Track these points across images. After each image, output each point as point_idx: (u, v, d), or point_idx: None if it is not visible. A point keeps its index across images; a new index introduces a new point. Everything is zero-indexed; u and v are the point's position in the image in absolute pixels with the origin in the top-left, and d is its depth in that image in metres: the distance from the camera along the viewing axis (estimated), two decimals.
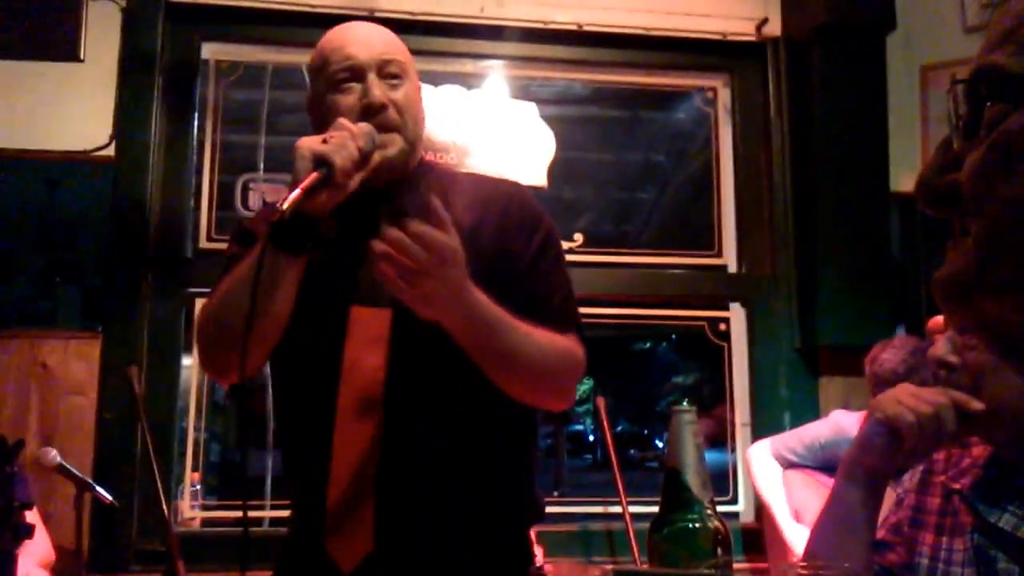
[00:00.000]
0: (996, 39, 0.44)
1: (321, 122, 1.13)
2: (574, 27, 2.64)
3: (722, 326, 2.71)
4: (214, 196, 2.55)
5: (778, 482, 2.24)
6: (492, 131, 2.69)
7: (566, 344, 1.10)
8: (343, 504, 1.06)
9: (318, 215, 1.01)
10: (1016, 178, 0.41)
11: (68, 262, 2.51)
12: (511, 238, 1.14)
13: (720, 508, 0.76)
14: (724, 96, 2.81)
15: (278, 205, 0.96)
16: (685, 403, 0.75)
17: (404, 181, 1.15)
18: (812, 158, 2.58)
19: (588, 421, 18.95)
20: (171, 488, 2.33)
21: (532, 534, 1.25)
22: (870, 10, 2.59)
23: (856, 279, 2.51)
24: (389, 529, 1.06)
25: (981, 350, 0.92)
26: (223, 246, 2.50)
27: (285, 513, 2.49)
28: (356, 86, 1.12)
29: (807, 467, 2.24)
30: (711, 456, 0.88)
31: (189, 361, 2.48)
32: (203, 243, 2.52)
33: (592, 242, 2.76)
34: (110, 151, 2.39)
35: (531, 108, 2.73)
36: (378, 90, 1.11)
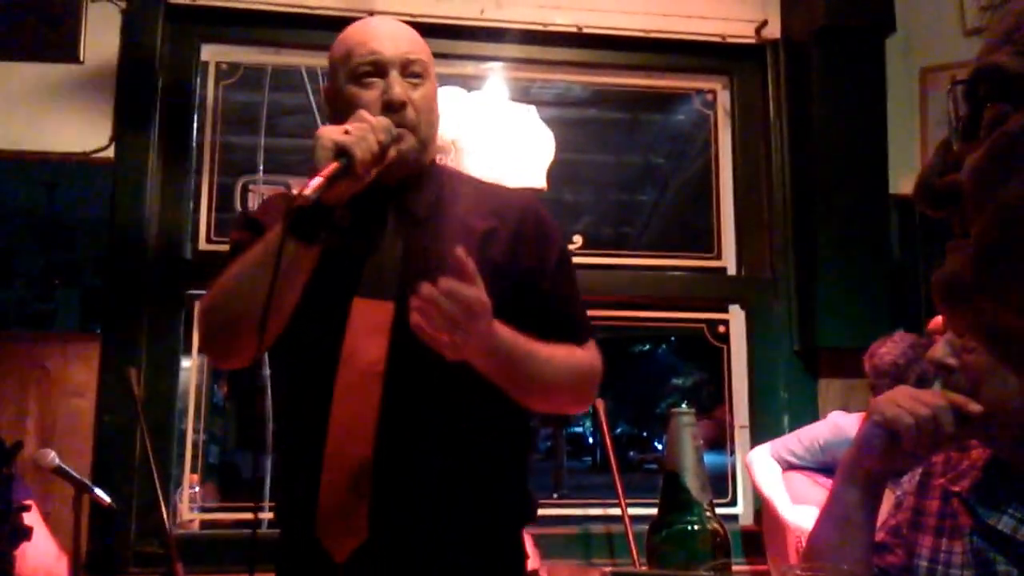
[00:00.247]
0: (996, 40, 0.44)
1: (339, 113, 1.14)
2: (574, 29, 2.64)
3: (721, 328, 2.71)
4: (213, 198, 2.55)
5: (779, 479, 2.24)
6: (491, 133, 2.69)
7: (584, 356, 1.14)
8: (337, 494, 1.06)
9: (334, 204, 1.02)
10: (1016, 179, 0.41)
11: (67, 264, 2.52)
12: (525, 252, 1.16)
13: (719, 510, 0.76)
14: (723, 98, 2.81)
15: (300, 192, 0.97)
16: (684, 406, 0.75)
17: (414, 179, 1.16)
18: (812, 160, 2.59)
19: (587, 423, 18.96)
20: (170, 490, 2.32)
21: (528, 537, 1.25)
22: (869, 12, 2.59)
23: (855, 281, 2.51)
24: (384, 520, 1.06)
25: (980, 352, 0.92)
26: (223, 248, 2.51)
27: None
28: (378, 81, 1.13)
29: (807, 469, 2.24)
30: (710, 458, 0.88)
31: (188, 363, 2.48)
32: (202, 245, 2.52)
33: (591, 244, 2.76)
34: (109, 153, 2.39)
35: (531, 110, 2.74)
36: (399, 87, 1.12)
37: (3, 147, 2.36)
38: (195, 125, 2.53)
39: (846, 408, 2.37)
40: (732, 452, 2.67)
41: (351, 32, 1.19)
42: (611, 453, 2.41)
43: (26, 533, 1.35)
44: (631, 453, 15.73)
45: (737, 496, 2.65)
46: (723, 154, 2.80)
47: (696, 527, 0.72)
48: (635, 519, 2.26)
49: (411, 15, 2.55)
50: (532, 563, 1.26)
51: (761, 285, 2.67)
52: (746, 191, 2.72)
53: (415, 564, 1.08)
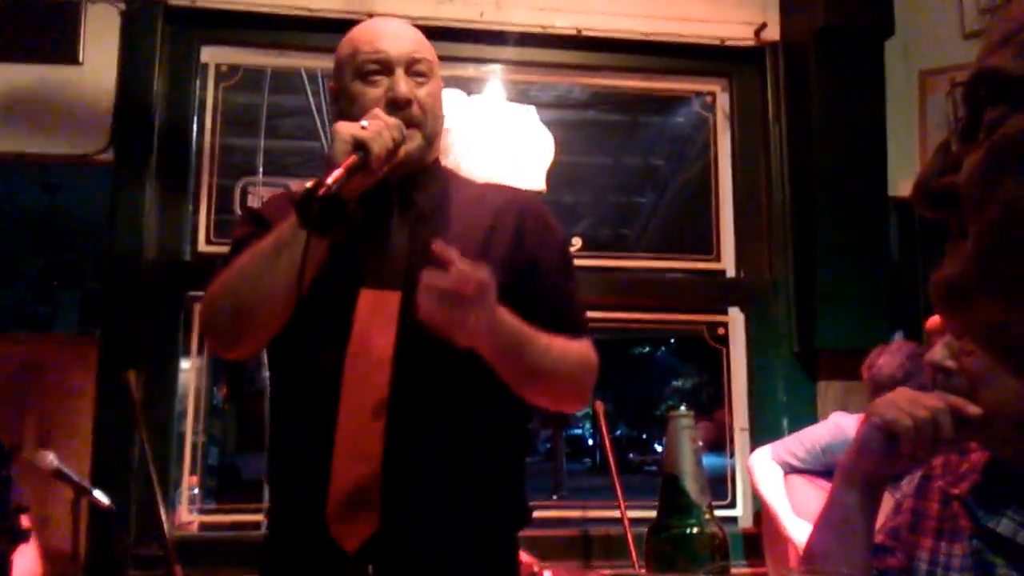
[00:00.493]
0: (996, 42, 0.44)
1: (344, 111, 1.17)
2: (573, 32, 2.64)
3: (720, 330, 2.71)
4: (213, 199, 2.55)
5: (779, 484, 2.24)
6: (491, 135, 2.69)
7: (582, 350, 1.14)
8: (349, 483, 1.06)
9: (349, 198, 1.04)
10: (1015, 181, 0.41)
11: (67, 265, 2.52)
12: (526, 247, 1.18)
13: (719, 513, 0.75)
14: (723, 101, 2.81)
15: (319, 181, 0.99)
16: (683, 408, 0.75)
17: (418, 176, 1.18)
18: (811, 163, 2.59)
19: (587, 425, 18.96)
20: (169, 492, 2.32)
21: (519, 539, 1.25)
22: (869, 15, 2.59)
23: (854, 283, 2.51)
24: (395, 508, 1.07)
25: (978, 355, 0.92)
26: (222, 249, 2.51)
27: None
28: (383, 79, 1.15)
29: (808, 471, 2.24)
30: (709, 460, 0.88)
31: (188, 365, 2.48)
32: (202, 247, 2.51)
33: (591, 246, 2.76)
34: (109, 155, 2.39)
35: (530, 112, 2.74)
36: (405, 85, 1.14)
37: (3, 149, 2.36)
38: (195, 127, 2.53)
39: (845, 410, 2.38)
40: (732, 454, 2.67)
41: (357, 31, 1.21)
42: (610, 455, 2.41)
43: (24, 535, 1.35)
44: (631, 455, 15.74)
45: (737, 498, 2.65)
46: (722, 156, 2.80)
47: (695, 530, 0.72)
48: (635, 521, 2.26)
49: (411, 17, 2.55)
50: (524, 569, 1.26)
51: (760, 287, 2.67)
52: (745, 193, 2.72)
53: (425, 554, 1.09)
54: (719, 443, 2.74)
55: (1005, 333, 0.44)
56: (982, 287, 0.44)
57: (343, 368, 1.08)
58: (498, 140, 2.69)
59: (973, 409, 0.91)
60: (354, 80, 1.16)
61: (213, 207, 2.55)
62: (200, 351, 2.49)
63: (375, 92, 1.15)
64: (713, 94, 2.84)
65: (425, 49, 1.20)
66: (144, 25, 2.45)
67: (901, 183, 2.59)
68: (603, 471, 2.66)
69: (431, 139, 1.18)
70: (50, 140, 2.38)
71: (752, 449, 2.45)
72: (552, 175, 2.71)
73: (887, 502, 1.01)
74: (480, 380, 1.11)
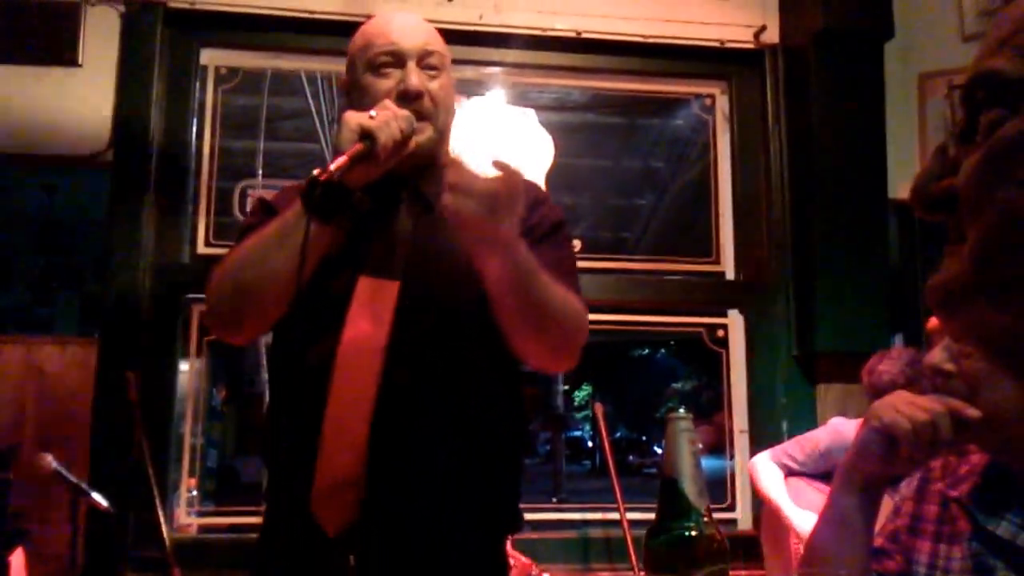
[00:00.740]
0: (993, 45, 0.44)
1: (356, 103, 1.16)
2: (572, 34, 2.65)
3: (720, 333, 2.71)
4: (212, 202, 2.56)
5: (781, 481, 2.24)
6: (491, 137, 2.69)
7: (577, 303, 1.13)
8: (334, 469, 1.06)
9: (353, 187, 1.04)
10: (1013, 183, 0.41)
11: (66, 267, 2.52)
12: (524, 228, 1.14)
13: (718, 516, 0.75)
14: (722, 103, 2.81)
15: (325, 168, 0.98)
16: (681, 411, 0.74)
17: (428, 170, 1.17)
18: (810, 165, 2.59)
19: (586, 427, 18.95)
20: (167, 495, 2.32)
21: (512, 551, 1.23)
22: (868, 18, 2.60)
23: (854, 286, 2.51)
24: (377, 496, 1.06)
25: (977, 357, 0.92)
26: (221, 251, 2.52)
27: None
28: (395, 72, 1.16)
29: (807, 475, 2.24)
30: (709, 463, 0.87)
31: (186, 367, 2.48)
32: (201, 249, 2.51)
33: (590, 248, 2.77)
34: (109, 156, 2.39)
35: (530, 114, 2.74)
36: (416, 78, 1.15)
37: (3, 150, 2.36)
38: (194, 129, 2.54)
39: (844, 413, 2.37)
40: (731, 457, 2.67)
41: (370, 24, 1.22)
42: (610, 458, 2.41)
43: (22, 537, 1.35)
44: (630, 457, 15.73)
45: (736, 501, 2.65)
46: (722, 158, 2.81)
47: (694, 533, 0.72)
48: (634, 524, 2.26)
49: None
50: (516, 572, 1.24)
51: (760, 290, 2.67)
52: (745, 196, 2.72)
53: (407, 541, 1.08)
54: (718, 446, 2.74)
55: (1003, 335, 0.44)
56: (980, 289, 0.44)
57: (335, 357, 1.08)
58: (497, 143, 2.69)
59: (972, 412, 0.91)
60: (366, 72, 1.17)
61: (212, 209, 2.55)
62: (199, 353, 2.49)
63: (386, 84, 1.15)
64: (713, 96, 2.84)
65: (438, 43, 1.20)
66: (144, 28, 2.45)
67: (900, 185, 2.59)
68: (603, 473, 2.66)
69: (442, 132, 1.19)
70: (50, 142, 2.38)
71: (752, 452, 2.44)
72: (552, 178, 2.70)
73: (886, 505, 1.01)
74: (473, 374, 1.11)
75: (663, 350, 19.96)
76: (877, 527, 0.99)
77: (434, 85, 1.16)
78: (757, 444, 2.48)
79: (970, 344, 0.92)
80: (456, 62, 2.90)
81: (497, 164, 0.97)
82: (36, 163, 2.36)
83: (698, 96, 2.89)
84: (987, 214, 0.42)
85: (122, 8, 2.45)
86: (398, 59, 1.16)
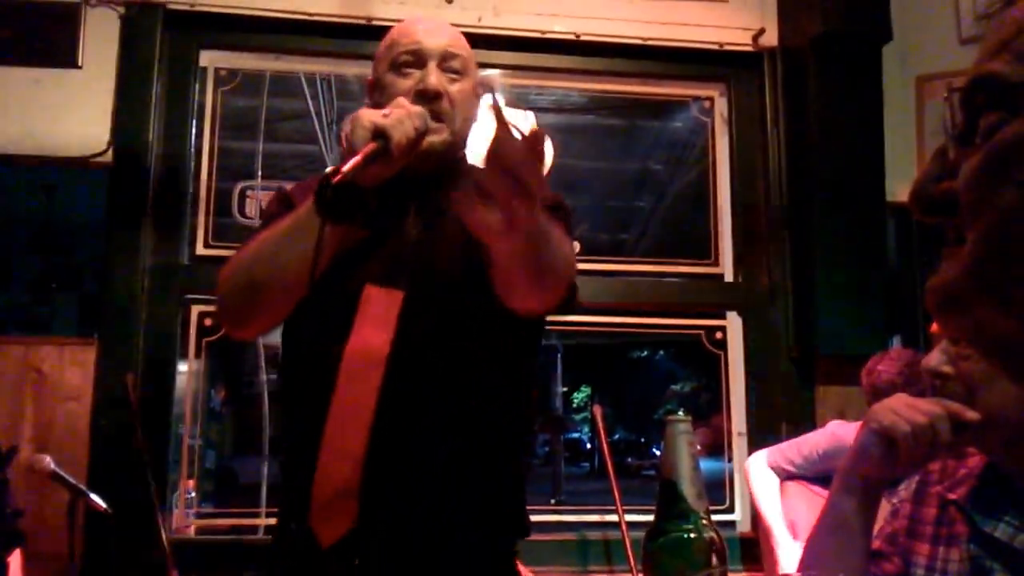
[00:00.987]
0: (993, 48, 0.44)
1: (375, 102, 1.16)
2: (571, 37, 2.65)
3: (719, 335, 2.71)
4: (211, 203, 2.55)
5: (775, 495, 2.24)
6: (489, 139, 2.69)
7: (568, 243, 1.11)
8: (331, 480, 1.06)
9: (365, 186, 1.03)
10: (1012, 186, 0.41)
11: (65, 268, 2.52)
12: None
13: (717, 517, 0.75)
14: (721, 106, 2.81)
15: (338, 167, 0.98)
16: (680, 413, 0.75)
17: (441, 174, 1.16)
18: (809, 167, 2.59)
19: (585, 429, 18.95)
20: (166, 496, 2.31)
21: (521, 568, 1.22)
22: (866, 21, 2.60)
23: (853, 288, 2.52)
24: (372, 508, 1.06)
25: (975, 360, 0.92)
26: (220, 252, 2.52)
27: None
28: (416, 72, 1.15)
29: (804, 478, 2.24)
30: (708, 465, 0.87)
31: (185, 368, 2.48)
32: (200, 250, 2.51)
33: (589, 250, 2.77)
34: (108, 158, 2.39)
35: (529, 117, 2.74)
36: (435, 78, 1.14)
37: (2, 151, 2.36)
38: (193, 130, 2.54)
39: (843, 415, 2.38)
40: (730, 459, 2.67)
41: (399, 26, 1.22)
42: (608, 460, 2.41)
43: (20, 538, 1.35)
44: (629, 459, 15.72)
45: (735, 503, 2.65)
46: (720, 161, 2.81)
47: (692, 535, 0.72)
48: (632, 526, 2.26)
49: None
50: None
51: (758, 292, 2.67)
52: (743, 198, 2.72)
53: (407, 553, 1.07)
54: (717, 448, 2.74)
55: (1001, 338, 0.44)
56: (978, 292, 0.44)
57: (339, 364, 1.07)
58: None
59: (971, 414, 0.91)
60: (388, 71, 1.17)
61: (211, 210, 2.55)
62: (198, 355, 2.49)
63: (406, 83, 1.14)
64: (711, 99, 2.84)
65: (462, 47, 1.20)
66: (143, 29, 2.45)
67: (899, 188, 2.59)
68: (601, 475, 2.66)
69: (458, 136, 1.17)
70: (49, 143, 2.38)
71: (750, 454, 2.44)
72: (551, 179, 2.71)
73: (884, 507, 1.01)
74: (477, 382, 1.10)
75: (662, 352, 19.97)
76: (875, 530, 0.99)
77: (454, 88, 1.16)
78: (755, 446, 2.48)
79: (968, 346, 0.92)
80: None
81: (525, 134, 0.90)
82: (35, 164, 2.36)
83: (697, 98, 2.89)
84: (986, 216, 0.43)
85: (122, 10, 2.45)
86: (419, 59, 1.16)
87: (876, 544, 1.01)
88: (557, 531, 2.54)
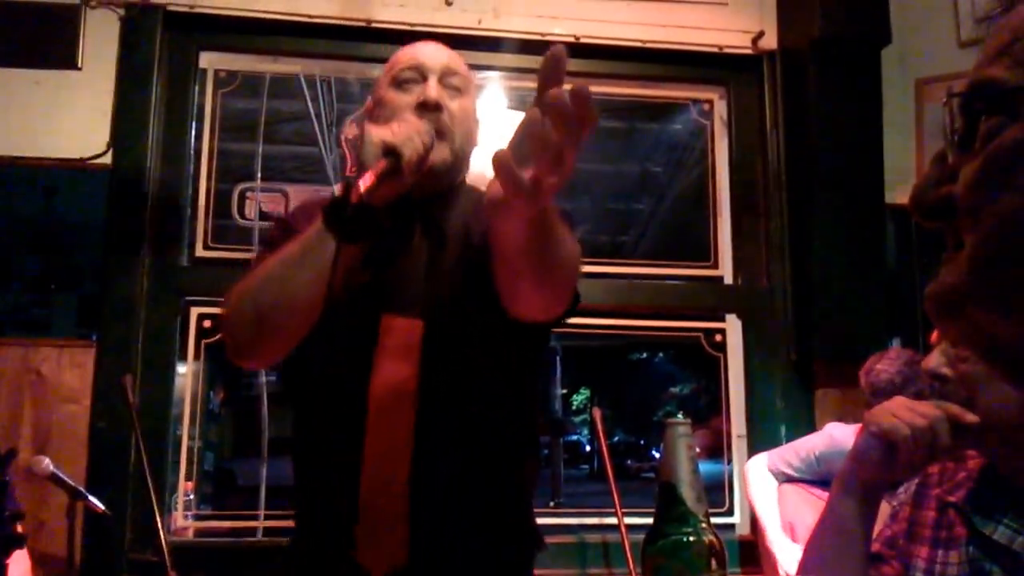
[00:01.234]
0: (992, 53, 0.44)
1: (376, 117, 1.17)
2: (571, 39, 2.65)
3: (718, 337, 2.71)
4: (211, 204, 2.55)
5: (773, 499, 2.24)
6: (489, 141, 2.69)
7: (575, 242, 1.09)
8: (376, 513, 1.07)
9: (376, 204, 1.01)
10: (1011, 191, 0.42)
11: (64, 269, 2.51)
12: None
13: (716, 520, 0.75)
14: (720, 108, 2.82)
15: (347, 186, 0.95)
16: (679, 416, 0.75)
17: (444, 195, 1.16)
18: (808, 170, 2.59)
19: (584, 431, 18.94)
20: (164, 497, 2.31)
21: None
22: (866, 24, 2.60)
23: (852, 291, 2.52)
24: (423, 537, 1.07)
25: (974, 362, 0.92)
26: (220, 254, 2.53)
27: (280, 523, 2.48)
28: (417, 87, 1.16)
29: (803, 481, 2.24)
30: (707, 468, 0.87)
31: (184, 369, 2.47)
32: (200, 251, 2.51)
33: (588, 252, 2.76)
34: (107, 159, 2.39)
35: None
36: (436, 91, 1.15)
37: (1, 153, 2.36)
38: (193, 132, 2.54)
39: (842, 418, 2.37)
40: (729, 462, 2.67)
41: (401, 49, 1.23)
42: (608, 462, 2.40)
43: (19, 541, 1.34)
44: (628, 461, 15.71)
45: (734, 506, 2.65)
46: (720, 164, 2.81)
47: (691, 538, 0.72)
48: (632, 529, 2.25)
49: (409, 24, 2.57)
50: None
51: (758, 295, 2.67)
52: (743, 201, 2.73)
53: (457, 571, 1.10)
54: (716, 450, 2.74)
55: (1000, 341, 0.44)
56: (977, 296, 0.44)
57: (368, 398, 1.07)
58: (496, 146, 2.69)
59: (970, 417, 0.91)
60: (389, 88, 1.18)
61: (211, 212, 2.55)
62: (197, 356, 2.49)
63: (407, 98, 1.15)
64: (711, 102, 2.84)
65: (461, 67, 1.21)
66: (143, 30, 2.45)
67: (898, 191, 2.59)
68: (601, 477, 2.66)
69: (458, 155, 1.17)
70: (49, 144, 2.38)
71: (749, 456, 2.44)
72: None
73: (884, 510, 1.01)
74: (497, 408, 1.12)
75: (661, 354, 19.96)
76: (875, 533, 0.99)
77: (454, 104, 1.16)
78: (755, 449, 2.48)
79: (967, 349, 0.92)
80: None
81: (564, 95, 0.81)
82: (35, 165, 2.36)
83: (696, 101, 2.89)
84: (985, 221, 0.43)
85: (121, 11, 2.45)
86: (421, 73, 1.17)
87: (875, 547, 1.01)
88: (556, 534, 2.53)
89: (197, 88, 2.55)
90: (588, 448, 18.09)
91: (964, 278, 0.44)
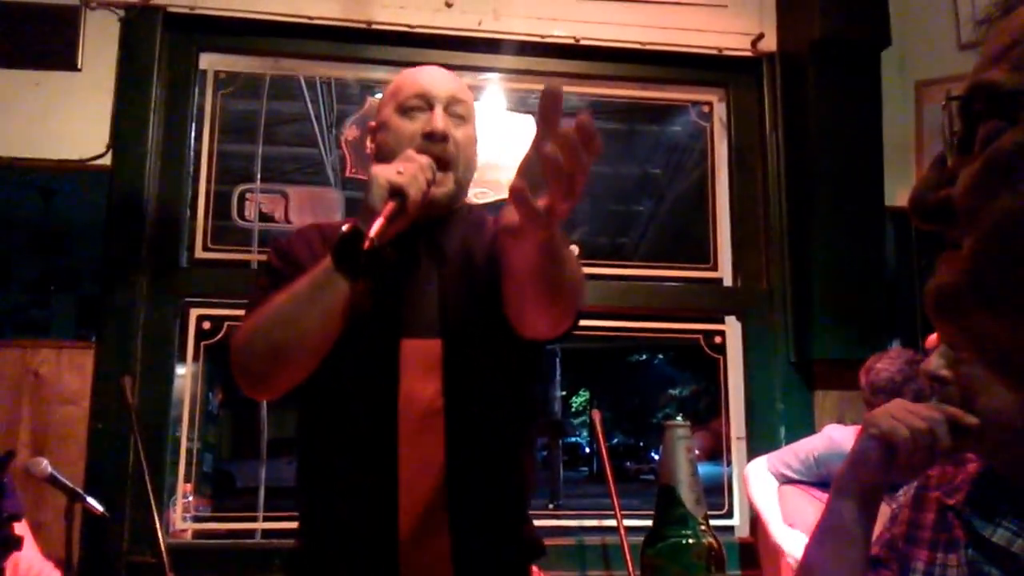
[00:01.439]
0: (992, 56, 0.44)
1: (383, 145, 1.21)
2: (571, 41, 2.65)
3: (717, 339, 2.71)
4: (210, 206, 2.55)
5: (773, 494, 2.24)
6: (489, 143, 2.69)
7: (577, 261, 1.13)
8: (417, 530, 1.11)
9: (384, 242, 1.06)
10: (1009, 193, 0.42)
11: (63, 271, 2.51)
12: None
13: (715, 522, 0.75)
14: (720, 110, 2.82)
15: (355, 226, 1.03)
16: (679, 418, 0.75)
17: (445, 220, 1.21)
18: (807, 172, 2.60)
19: (584, 433, 18.94)
20: (163, 499, 2.31)
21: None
22: (865, 27, 2.61)
23: (851, 293, 2.52)
24: (464, 547, 1.12)
25: (973, 364, 0.92)
26: (219, 256, 2.53)
27: (278, 525, 2.48)
28: (423, 115, 1.19)
29: (803, 483, 2.24)
30: (706, 470, 0.87)
31: (183, 371, 2.47)
32: (199, 253, 2.51)
33: (588, 254, 2.77)
34: (107, 160, 2.39)
35: (528, 120, 2.74)
36: (442, 121, 1.18)
37: (1, 154, 2.36)
38: (192, 133, 2.54)
39: (841, 420, 2.38)
40: (728, 464, 2.67)
41: (405, 72, 1.27)
42: (607, 465, 2.40)
43: (16, 543, 1.34)
44: (627, 463, 15.72)
45: (733, 508, 2.65)
46: (719, 165, 2.81)
47: (691, 541, 0.72)
48: (631, 531, 2.25)
49: (409, 26, 2.57)
50: None
51: (757, 296, 2.68)
52: (742, 202, 2.73)
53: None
54: (716, 452, 2.74)
55: (997, 343, 0.44)
56: (975, 297, 0.44)
57: (397, 421, 1.11)
58: (496, 148, 2.70)
59: (970, 419, 0.91)
60: (395, 114, 1.21)
61: (211, 213, 2.55)
62: (196, 358, 2.49)
63: (413, 126, 1.18)
64: (710, 104, 2.85)
65: (466, 95, 1.24)
66: (143, 32, 2.45)
67: (898, 193, 2.60)
68: (601, 479, 2.66)
69: (461, 184, 1.21)
70: (49, 145, 2.38)
71: (749, 458, 2.44)
72: None
73: (883, 513, 1.01)
74: (511, 415, 1.18)
75: (660, 356, 19.97)
76: (874, 536, 0.99)
77: (459, 133, 1.19)
78: (754, 451, 2.48)
79: (965, 351, 0.92)
80: (454, 68, 2.92)
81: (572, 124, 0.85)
82: (34, 166, 2.36)
83: (696, 103, 2.89)
84: (983, 222, 0.43)
85: (121, 12, 2.45)
86: (427, 102, 1.19)
87: (875, 550, 1.01)
88: (555, 536, 2.53)
89: (197, 89, 2.55)
90: (587, 450, 18.10)
91: (961, 279, 0.44)
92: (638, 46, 2.68)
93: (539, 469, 1.35)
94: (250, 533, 2.54)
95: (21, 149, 2.36)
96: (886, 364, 2.09)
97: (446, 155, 1.16)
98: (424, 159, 1.12)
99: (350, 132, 2.80)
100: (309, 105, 4.01)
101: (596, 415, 2.64)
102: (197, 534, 2.53)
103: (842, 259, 2.54)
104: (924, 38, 2.74)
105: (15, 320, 2.43)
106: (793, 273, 2.62)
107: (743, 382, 2.64)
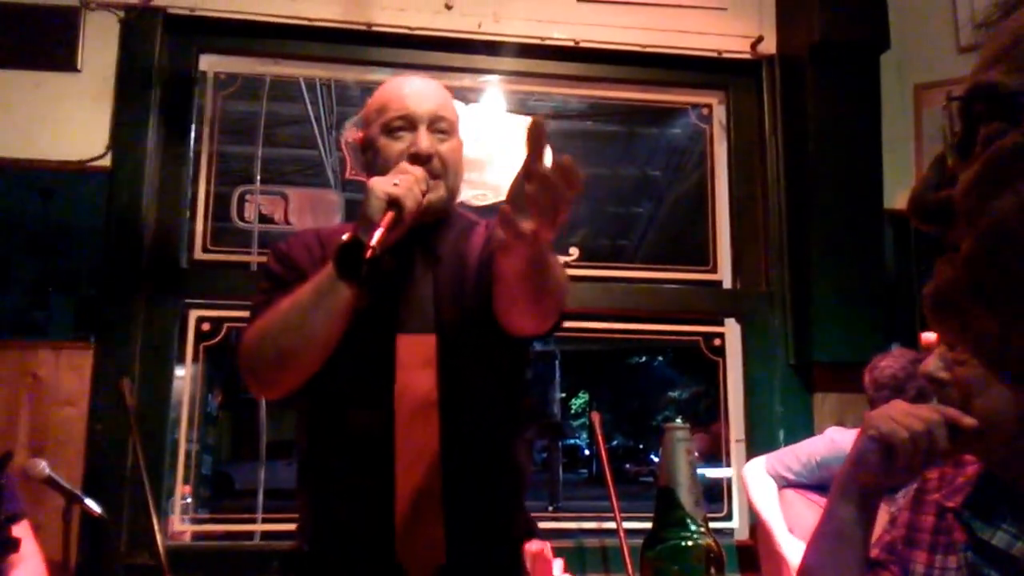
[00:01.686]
0: (992, 57, 0.44)
1: (370, 162, 1.27)
2: (571, 43, 2.65)
3: (717, 341, 2.71)
4: (210, 207, 2.55)
5: (774, 498, 2.23)
6: (489, 145, 2.70)
7: (560, 263, 1.20)
8: (413, 520, 1.15)
9: (383, 250, 1.12)
10: (1008, 194, 0.42)
11: (62, 272, 2.51)
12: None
13: (715, 525, 0.75)
14: (719, 113, 2.82)
15: (356, 236, 1.10)
16: (678, 420, 0.75)
17: (438, 224, 1.27)
18: (807, 175, 2.60)
19: (583, 435, 18.94)
20: (161, 501, 2.31)
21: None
22: (864, 29, 2.61)
23: (850, 295, 2.52)
24: (459, 536, 1.16)
25: (971, 365, 0.92)
26: (219, 257, 2.52)
27: (277, 527, 2.48)
28: (407, 135, 1.25)
29: (802, 485, 2.23)
30: (706, 472, 0.88)
31: (182, 373, 2.47)
32: (198, 254, 2.51)
33: (588, 256, 2.76)
34: (106, 161, 2.39)
35: (528, 123, 2.74)
36: (426, 142, 1.24)
37: (1, 155, 2.35)
38: (192, 134, 2.54)
39: (841, 422, 2.37)
40: (728, 466, 2.66)
41: (387, 88, 1.31)
42: (606, 467, 2.40)
43: (14, 545, 1.34)
44: (627, 465, 15.72)
45: (733, 511, 2.64)
46: (719, 168, 2.81)
47: (690, 543, 0.71)
48: (630, 533, 2.25)
49: (409, 28, 2.57)
50: None
51: (757, 299, 2.67)
52: (742, 205, 2.73)
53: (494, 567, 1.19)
54: (715, 454, 2.74)
55: (996, 343, 0.44)
56: (973, 298, 0.44)
57: (393, 410, 1.16)
58: (495, 150, 2.70)
59: (969, 421, 0.91)
60: (381, 134, 1.26)
61: (210, 215, 2.55)
62: (195, 359, 2.49)
63: (399, 146, 1.24)
64: (710, 106, 2.85)
65: (448, 109, 1.29)
66: (143, 33, 2.45)
67: (897, 195, 2.60)
68: (600, 481, 2.66)
69: (452, 191, 1.28)
70: (48, 146, 2.37)
71: (748, 460, 2.44)
72: None
73: (882, 515, 1.01)
74: (502, 409, 1.23)
75: (660, 358, 19.97)
76: (873, 538, 0.99)
77: (444, 147, 1.25)
78: (754, 453, 2.47)
79: (964, 351, 0.92)
80: (455, 70, 2.90)
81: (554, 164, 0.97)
82: (34, 167, 2.36)
83: (695, 106, 2.90)
84: (982, 222, 0.43)
85: (121, 13, 2.45)
86: (410, 123, 1.24)
87: (874, 552, 1.01)
88: (555, 538, 2.52)
89: (197, 91, 2.55)
90: (587, 452, 18.09)
91: (959, 279, 0.44)
92: (638, 48, 2.68)
93: (533, 461, 1.41)
94: (249, 535, 2.53)
95: (20, 150, 2.36)
96: (890, 361, 2.11)
97: (434, 170, 1.23)
98: (419, 171, 1.18)
99: (350, 134, 2.80)
100: (309, 107, 4.02)
101: (595, 417, 2.63)
102: (196, 536, 2.53)
103: (841, 262, 2.54)
104: (923, 41, 2.74)
105: (14, 321, 2.43)
106: (793, 276, 2.61)
107: (742, 384, 2.64)
